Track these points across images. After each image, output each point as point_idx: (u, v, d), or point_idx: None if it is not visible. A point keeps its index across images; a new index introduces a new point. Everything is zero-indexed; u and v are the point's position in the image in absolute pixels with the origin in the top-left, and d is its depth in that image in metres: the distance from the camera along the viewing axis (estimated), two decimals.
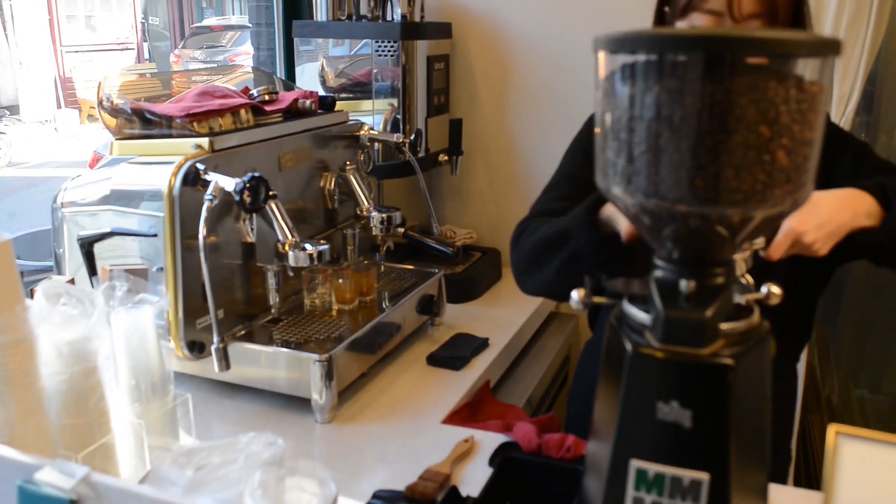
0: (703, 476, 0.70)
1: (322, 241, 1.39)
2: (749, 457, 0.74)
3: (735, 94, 0.63)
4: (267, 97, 1.60)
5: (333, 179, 1.69)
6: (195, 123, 1.39)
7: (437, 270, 1.79)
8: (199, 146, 1.36)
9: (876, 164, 1.30)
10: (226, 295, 1.42)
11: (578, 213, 1.22)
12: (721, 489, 0.70)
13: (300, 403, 1.40)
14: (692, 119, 0.64)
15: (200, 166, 1.32)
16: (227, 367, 1.33)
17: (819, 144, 0.69)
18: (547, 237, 1.29)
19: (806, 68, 0.66)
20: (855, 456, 0.61)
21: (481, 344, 1.70)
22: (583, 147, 1.45)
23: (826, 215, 1.09)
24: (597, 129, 0.75)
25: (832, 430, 0.61)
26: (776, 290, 0.78)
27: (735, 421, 0.70)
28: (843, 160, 1.31)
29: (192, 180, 1.31)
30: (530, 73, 2.26)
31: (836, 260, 1.20)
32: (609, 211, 1.17)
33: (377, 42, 2.02)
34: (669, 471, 0.71)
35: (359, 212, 1.70)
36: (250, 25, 2.49)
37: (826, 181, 1.27)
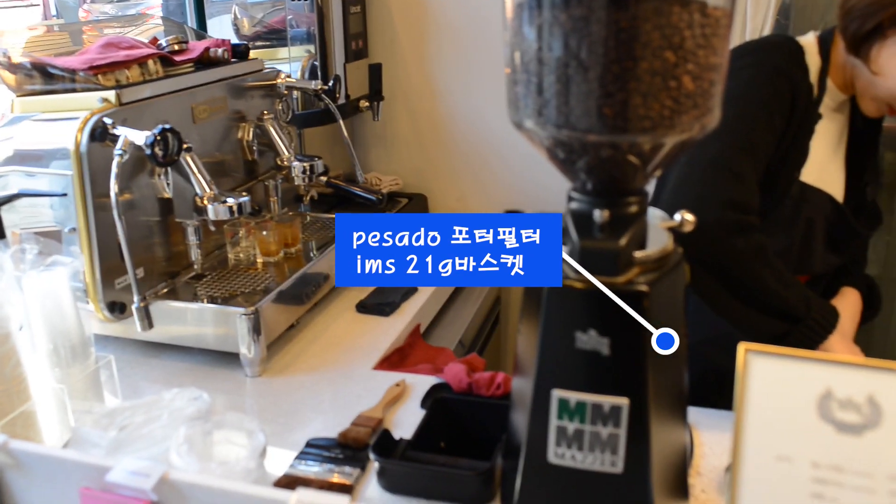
0: (623, 401, 0.72)
1: (243, 193, 1.36)
2: (667, 381, 0.76)
3: (640, 20, 0.63)
4: (176, 47, 1.54)
5: (251, 130, 1.65)
6: (100, 76, 1.33)
7: None
8: (105, 100, 1.31)
9: None
10: (145, 253, 1.39)
11: (828, 322, 1.17)
12: (641, 413, 0.72)
13: (229, 359, 1.38)
14: (599, 47, 0.64)
15: (108, 120, 1.27)
16: (150, 325, 1.30)
17: (724, 69, 0.70)
18: (769, 294, 1.15)
19: None
20: (764, 372, 0.63)
21: (410, 289, 1.70)
22: (767, 109, 1.23)
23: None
24: (506, 70, 0.74)
25: (742, 347, 0.62)
26: (689, 217, 0.79)
27: (651, 346, 0.71)
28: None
29: (100, 135, 1.26)
30: (449, 13, 2.23)
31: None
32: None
33: None
34: (590, 398, 0.72)
35: (279, 162, 1.67)
36: None
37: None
